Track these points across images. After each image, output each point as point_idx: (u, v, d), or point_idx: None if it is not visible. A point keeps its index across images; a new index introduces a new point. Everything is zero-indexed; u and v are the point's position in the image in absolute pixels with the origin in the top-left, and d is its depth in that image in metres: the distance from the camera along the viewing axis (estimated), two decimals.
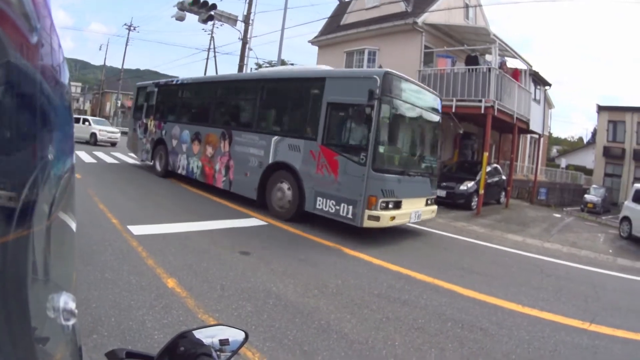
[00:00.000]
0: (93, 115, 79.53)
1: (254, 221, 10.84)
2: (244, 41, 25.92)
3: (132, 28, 66.73)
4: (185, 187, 15.40)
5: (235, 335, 1.35)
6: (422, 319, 5.48)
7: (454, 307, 6.08)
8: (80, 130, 29.65)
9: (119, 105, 68.26)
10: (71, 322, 0.84)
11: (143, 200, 12.32)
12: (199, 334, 1.27)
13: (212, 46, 55.94)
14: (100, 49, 72.18)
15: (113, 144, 31.96)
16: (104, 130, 31.23)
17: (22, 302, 0.66)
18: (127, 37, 66.85)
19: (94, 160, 21.06)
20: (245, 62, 26.84)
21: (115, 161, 21.87)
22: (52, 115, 0.74)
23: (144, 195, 13.20)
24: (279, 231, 9.95)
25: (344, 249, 8.75)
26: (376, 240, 10.02)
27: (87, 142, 30.24)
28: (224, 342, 1.31)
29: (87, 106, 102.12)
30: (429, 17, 20.28)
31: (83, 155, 22.88)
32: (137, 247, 7.62)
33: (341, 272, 7.15)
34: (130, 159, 23.70)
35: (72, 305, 0.84)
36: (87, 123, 31.21)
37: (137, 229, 8.76)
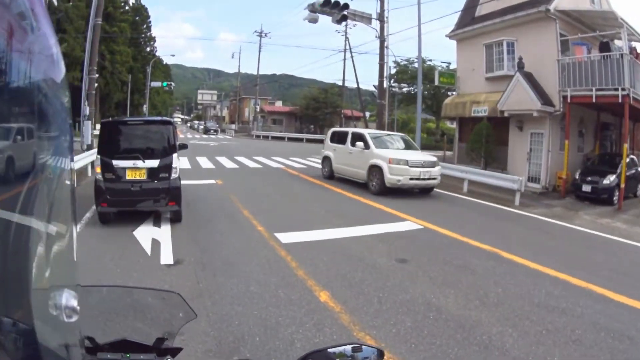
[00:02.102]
0: (232, 121, 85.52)
1: (409, 224, 10.66)
2: (381, 39, 25.84)
3: (263, 34, 70.12)
4: (334, 189, 15.72)
5: (369, 353, 1.36)
6: (578, 330, 5.40)
7: (607, 315, 5.92)
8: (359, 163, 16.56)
9: (257, 110, 72.07)
10: (73, 319, 0.89)
11: (290, 205, 12.69)
12: (332, 352, 1.32)
13: (347, 47, 56.98)
14: (232, 57, 78.52)
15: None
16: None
17: (25, 299, 0.71)
18: (259, 44, 70.65)
19: (235, 166, 22.39)
20: (385, 61, 27.42)
21: (258, 165, 22.99)
22: (49, 113, 0.79)
23: (291, 200, 13.62)
24: (434, 235, 9.88)
25: (500, 252, 8.65)
26: (526, 241, 10.07)
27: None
28: None
29: (225, 112, 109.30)
30: (560, 3, 19.89)
31: (224, 160, 24.51)
32: (286, 256, 7.69)
33: (500, 278, 7.10)
34: (274, 162, 24.63)
35: (74, 303, 0.88)
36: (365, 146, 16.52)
37: (285, 237, 8.88)
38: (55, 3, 25.21)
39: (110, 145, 9.39)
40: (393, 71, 60.29)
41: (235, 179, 17.71)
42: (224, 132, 75.05)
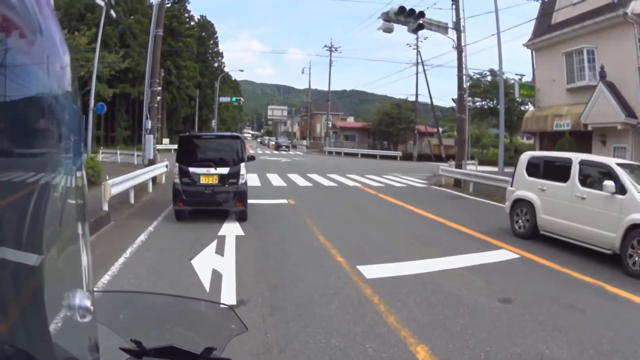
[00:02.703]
0: (303, 137, 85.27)
1: (504, 254, 9.45)
2: (459, 50, 24.19)
3: (333, 49, 69.57)
4: (417, 211, 14.43)
5: None
6: None
7: None
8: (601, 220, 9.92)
9: (329, 126, 71.43)
10: (87, 319, 0.90)
11: (371, 230, 11.46)
12: None
13: (419, 60, 55.70)
14: (302, 72, 78.25)
15: None
16: None
17: (38, 299, 0.75)
18: (330, 58, 70.32)
19: (308, 184, 21.41)
20: (463, 73, 26.35)
21: (333, 184, 21.92)
22: (60, 115, 0.81)
23: (372, 224, 12.39)
24: (533, 266, 8.84)
25: (605, 286, 7.69)
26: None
27: None
28: None
29: (296, 128, 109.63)
30: (637, 6, 19.00)
31: (296, 178, 23.62)
32: (372, 296, 6.44)
33: (611, 319, 6.26)
34: (350, 180, 23.52)
35: (87, 303, 0.90)
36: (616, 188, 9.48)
37: (369, 270, 7.67)
38: (114, 15, 24.95)
39: (187, 155, 11.56)
40: (466, 85, 58.70)
41: (309, 198, 16.70)
42: (294, 148, 74.51)
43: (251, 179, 17.24)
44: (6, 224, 0.67)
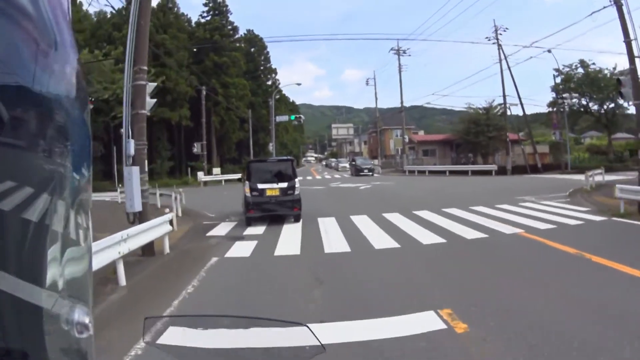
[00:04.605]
0: (373, 156, 74.69)
1: None
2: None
3: (401, 52, 59.56)
4: None
5: None
6: None
7: None
8: None
9: (406, 140, 61.17)
10: (84, 336, 0.90)
11: None
12: None
13: (501, 57, 46.75)
14: (367, 84, 68.77)
15: None
16: None
17: (34, 313, 0.73)
18: (399, 62, 59.79)
19: (435, 237, 12.01)
20: (633, 38, 17.54)
21: (476, 232, 12.30)
22: (70, 129, 0.82)
23: None
24: None
25: None
26: None
27: None
28: None
29: (364, 147, 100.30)
30: None
31: (401, 221, 14.06)
32: None
33: None
34: (491, 221, 14.19)
35: (86, 319, 0.90)
36: None
37: None
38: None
39: (255, 175, 15.35)
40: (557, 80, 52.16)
41: (476, 291, 7.36)
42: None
43: (332, 233, 13.03)
44: (7, 236, 0.67)
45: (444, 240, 11.23)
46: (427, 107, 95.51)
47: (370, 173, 50.70)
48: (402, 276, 8.23)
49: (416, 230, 12.65)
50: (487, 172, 45.14)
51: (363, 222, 14.42)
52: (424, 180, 40.05)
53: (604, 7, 20.44)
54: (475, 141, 51.96)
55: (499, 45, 46.94)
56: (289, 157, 19.46)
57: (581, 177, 32.83)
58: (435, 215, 15.43)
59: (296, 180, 15.42)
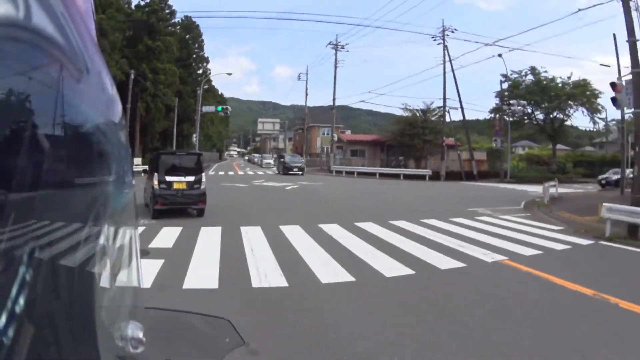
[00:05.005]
0: (298, 154, 71.25)
1: None
2: None
3: (339, 47, 56.60)
4: None
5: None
6: None
7: None
8: None
9: (335, 139, 58.18)
10: (139, 350, 0.91)
11: None
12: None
13: (446, 59, 45.75)
14: (299, 79, 66.00)
15: None
16: None
17: (90, 329, 0.75)
18: (335, 58, 56.52)
19: (402, 267, 9.23)
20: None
21: (450, 260, 9.51)
22: (109, 150, 0.83)
23: None
24: None
25: None
26: None
27: None
28: None
29: (288, 144, 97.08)
30: None
31: (350, 241, 11.10)
32: None
33: None
34: (459, 242, 11.83)
35: (139, 334, 0.91)
36: None
37: None
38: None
39: (163, 167, 14.80)
40: (504, 86, 51.07)
41: None
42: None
43: (260, 252, 9.63)
44: (63, 253, 0.67)
45: (411, 272, 8.34)
46: (352, 108, 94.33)
47: (300, 172, 45.61)
48: (369, 339, 5.27)
49: (370, 254, 9.69)
50: (421, 177, 43.64)
51: (298, 237, 11.36)
52: (355, 182, 37.47)
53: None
54: (410, 144, 50.12)
55: (445, 46, 45.55)
56: (197, 152, 19.90)
57: (525, 187, 31.90)
58: (384, 230, 12.68)
59: (203, 174, 15.34)
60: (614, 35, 25.99)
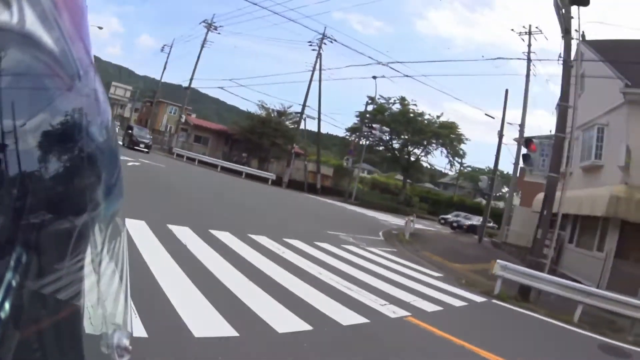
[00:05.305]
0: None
1: None
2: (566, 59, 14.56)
3: (212, 28, 53.24)
4: None
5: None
6: None
7: None
8: None
9: (182, 120, 54.24)
10: (125, 359, 0.90)
11: None
12: None
13: (317, 66, 45.09)
14: (162, 50, 61.40)
15: None
16: None
17: (76, 337, 0.75)
18: (205, 37, 52.48)
19: (300, 324, 7.17)
20: (573, 105, 15.31)
21: (360, 318, 7.51)
22: (99, 158, 0.81)
23: None
24: None
25: None
26: None
27: None
28: None
29: (134, 115, 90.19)
30: None
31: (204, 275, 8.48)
32: None
33: None
34: (348, 284, 10.11)
35: (126, 342, 0.90)
36: None
37: None
38: None
39: None
40: (369, 108, 52.34)
41: None
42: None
43: None
44: (49, 259, 0.66)
45: (308, 327, 6.08)
46: (200, 92, 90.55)
47: (147, 150, 40.02)
48: None
49: (239, 286, 7.17)
50: (264, 180, 41.72)
51: (140, 237, 8.53)
52: (197, 171, 34.46)
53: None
54: (258, 142, 47.56)
55: (319, 54, 44.65)
56: None
57: (374, 214, 31.45)
58: (244, 246, 10.39)
59: None
60: (506, 90, 26.93)
